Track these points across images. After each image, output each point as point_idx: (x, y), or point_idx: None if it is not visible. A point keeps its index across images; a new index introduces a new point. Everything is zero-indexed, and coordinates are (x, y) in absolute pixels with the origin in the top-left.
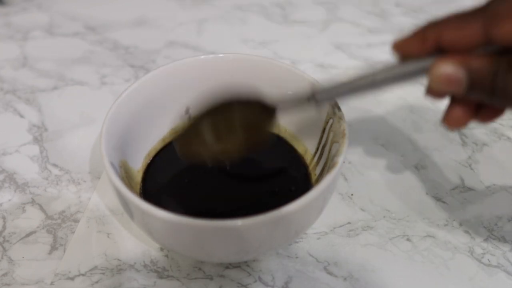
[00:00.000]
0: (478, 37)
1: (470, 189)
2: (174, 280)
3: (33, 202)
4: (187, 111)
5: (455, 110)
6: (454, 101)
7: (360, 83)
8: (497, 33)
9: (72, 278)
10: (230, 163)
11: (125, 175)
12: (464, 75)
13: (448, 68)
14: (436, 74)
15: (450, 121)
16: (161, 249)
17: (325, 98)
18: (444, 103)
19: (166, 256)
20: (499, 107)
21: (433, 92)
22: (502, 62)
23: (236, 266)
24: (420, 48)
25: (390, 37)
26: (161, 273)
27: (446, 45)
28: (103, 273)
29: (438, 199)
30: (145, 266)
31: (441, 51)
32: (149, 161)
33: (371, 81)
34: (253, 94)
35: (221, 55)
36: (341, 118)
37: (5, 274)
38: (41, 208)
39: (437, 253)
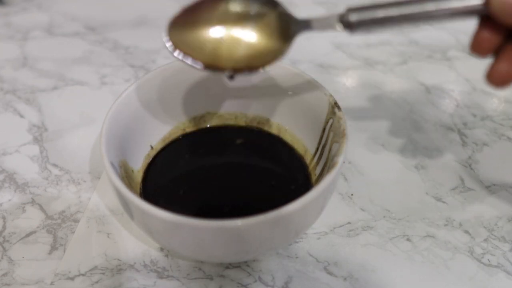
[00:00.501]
0: None
1: (470, 189)
2: (174, 280)
3: (33, 202)
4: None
5: (500, 66)
6: (499, 56)
7: (407, 11)
8: None
9: (72, 278)
10: (225, 73)
11: (125, 175)
12: None
13: None
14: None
15: (494, 78)
16: (161, 249)
17: (361, 23)
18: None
19: (166, 256)
20: None
21: (483, 39)
22: None
23: (236, 266)
24: None
25: (389, 37)
26: (161, 273)
27: None
28: (103, 273)
29: (438, 199)
30: (145, 266)
31: None
32: (149, 161)
33: (420, 11)
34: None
35: None
36: (341, 118)
37: (5, 274)
38: (41, 208)
39: (437, 253)
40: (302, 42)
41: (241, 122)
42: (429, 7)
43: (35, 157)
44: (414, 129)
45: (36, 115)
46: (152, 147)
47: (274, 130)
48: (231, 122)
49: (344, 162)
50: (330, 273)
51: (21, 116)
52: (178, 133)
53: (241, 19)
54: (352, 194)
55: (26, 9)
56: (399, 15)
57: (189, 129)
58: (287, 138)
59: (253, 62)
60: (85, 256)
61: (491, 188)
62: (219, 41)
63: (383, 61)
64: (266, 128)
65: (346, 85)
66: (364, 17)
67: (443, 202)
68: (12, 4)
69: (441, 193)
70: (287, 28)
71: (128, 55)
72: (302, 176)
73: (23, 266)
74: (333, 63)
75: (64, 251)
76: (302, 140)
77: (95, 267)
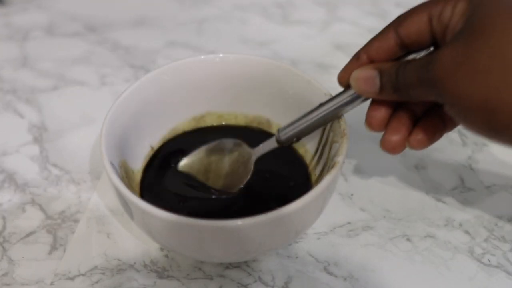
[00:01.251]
0: (393, 43)
1: (470, 189)
2: (174, 280)
3: (33, 202)
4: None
5: (389, 136)
6: (373, 104)
7: (314, 115)
8: (401, 32)
9: (72, 278)
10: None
11: (125, 175)
12: (376, 75)
13: (364, 71)
14: (355, 76)
15: (386, 145)
16: (161, 249)
17: (287, 136)
18: None
19: (166, 256)
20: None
21: (374, 124)
22: (403, 61)
23: (236, 266)
24: (356, 68)
25: None
26: (161, 273)
27: (374, 58)
28: (103, 273)
29: (438, 199)
30: (145, 266)
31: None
32: (149, 161)
33: (322, 112)
34: (238, 143)
35: (221, 55)
36: (341, 118)
37: (5, 274)
38: (41, 208)
39: (437, 253)
40: (302, 42)
41: (241, 122)
42: (325, 108)
43: (35, 157)
44: None
45: (36, 115)
46: (152, 147)
47: (274, 130)
48: (231, 122)
49: (344, 162)
50: (330, 273)
51: (21, 116)
52: (178, 133)
53: (220, 157)
54: (352, 194)
55: (26, 9)
56: (315, 122)
57: (189, 129)
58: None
59: (230, 183)
60: (85, 256)
61: (491, 188)
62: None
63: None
64: (266, 128)
65: None
66: (288, 132)
67: (443, 202)
68: (12, 4)
69: (441, 193)
70: (248, 157)
71: (128, 55)
72: (302, 176)
73: (23, 266)
74: (333, 63)
75: (64, 251)
76: (302, 140)
77: (95, 267)
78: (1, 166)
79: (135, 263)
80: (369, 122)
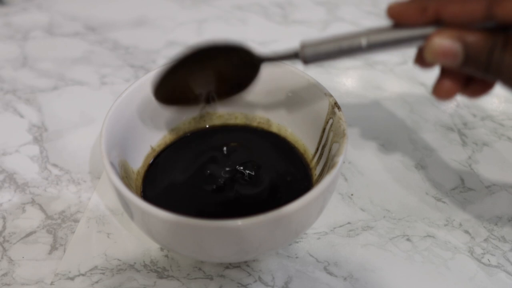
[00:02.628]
0: (480, 13)
1: (470, 189)
2: (174, 280)
3: (33, 202)
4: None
5: (445, 82)
6: (444, 73)
7: (352, 42)
8: (499, 10)
9: (72, 278)
10: (205, 104)
11: (125, 175)
12: (460, 50)
13: (445, 42)
14: (433, 47)
15: (439, 92)
16: (161, 249)
17: (313, 55)
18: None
19: (166, 256)
20: (490, 83)
21: (425, 63)
22: (499, 39)
23: (236, 266)
24: (418, 18)
25: None
26: (161, 273)
27: (447, 18)
28: (103, 273)
29: (438, 199)
30: (145, 266)
31: (438, 23)
32: (149, 161)
33: (364, 43)
34: (238, 43)
35: None
36: (341, 118)
37: (5, 274)
38: (41, 208)
39: (437, 253)
40: None
41: (241, 122)
42: (375, 38)
43: (35, 157)
44: (414, 129)
45: (36, 115)
46: (152, 147)
47: (274, 130)
48: (231, 122)
49: (344, 162)
50: (330, 273)
51: (21, 116)
52: (178, 133)
53: (212, 65)
54: (352, 194)
55: (26, 9)
56: (348, 49)
57: (189, 129)
58: (287, 138)
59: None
60: (85, 256)
61: (491, 188)
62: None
63: (383, 61)
64: (266, 128)
65: (346, 85)
66: (316, 51)
67: (443, 202)
68: (12, 4)
69: (441, 193)
70: (252, 63)
71: (128, 55)
72: (302, 176)
73: (23, 266)
74: (333, 63)
75: (64, 251)
76: (302, 140)
77: (95, 267)
78: (1, 166)
79: (135, 263)
80: (437, 92)
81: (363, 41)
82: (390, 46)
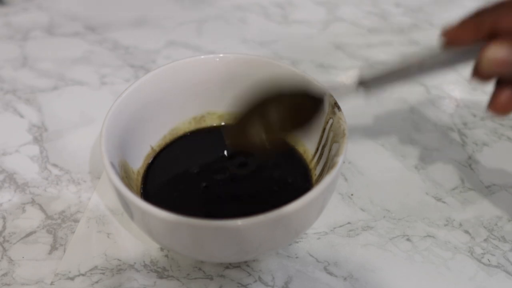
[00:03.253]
0: None
1: (470, 189)
2: (174, 280)
3: (33, 202)
4: None
5: (502, 95)
6: (501, 85)
7: (409, 69)
8: None
9: (72, 278)
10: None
11: (125, 175)
12: None
13: (501, 50)
14: (489, 56)
15: (496, 107)
16: (161, 249)
17: (375, 86)
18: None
19: (166, 256)
20: None
21: (482, 74)
22: None
23: (236, 266)
24: (474, 34)
25: (390, 37)
26: (161, 273)
27: (504, 28)
28: (103, 273)
29: (438, 199)
30: (145, 266)
31: (493, 37)
32: (149, 161)
33: (419, 67)
34: (300, 85)
35: (221, 55)
36: (341, 118)
37: (5, 274)
38: (41, 208)
39: (437, 253)
40: (302, 42)
41: None
42: (429, 60)
43: (35, 157)
44: (414, 129)
45: (36, 115)
46: (152, 147)
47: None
48: (231, 122)
49: (344, 162)
50: (330, 273)
51: (21, 116)
52: (178, 133)
53: (277, 108)
54: (352, 194)
55: (26, 9)
56: (406, 74)
57: (189, 129)
58: (287, 138)
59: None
60: (85, 256)
61: (491, 188)
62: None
63: (383, 61)
64: None
65: (346, 85)
66: (377, 83)
67: (443, 202)
68: (12, 4)
69: (441, 193)
70: (314, 101)
71: (128, 55)
72: (302, 176)
73: (23, 266)
74: (333, 63)
75: (64, 251)
76: (302, 140)
77: (95, 267)
78: (1, 166)
79: (135, 263)
80: (494, 106)
81: (419, 66)
82: (446, 66)
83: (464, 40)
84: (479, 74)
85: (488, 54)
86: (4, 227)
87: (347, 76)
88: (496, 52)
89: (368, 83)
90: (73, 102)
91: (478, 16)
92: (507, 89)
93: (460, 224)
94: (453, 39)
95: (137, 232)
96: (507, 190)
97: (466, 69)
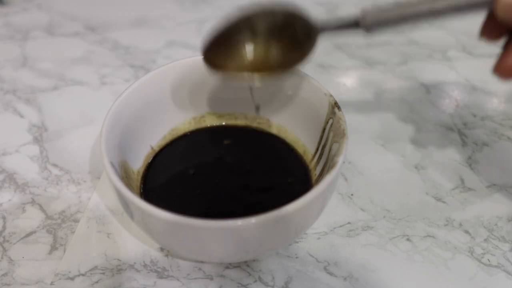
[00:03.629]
0: None
1: (470, 189)
2: (174, 280)
3: (33, 202)
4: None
5: (510, 58)
6: (509, 47)
7: (417, 9)
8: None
9: (72, 278)
10: (255, 83)
11: (125, 175)
12: None
13: None
14: (505, 2)
15: (502, 69)
16: (161, 249)
17: (375, 23)
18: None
19: (166, 256)
20: None
21: (492, 34)
22: None
23: (236, 266)
24: None
25: (390, 37)
26: (161, 273)
27: None
28: (103, 273)
29: (438, 199)
30: (145, 266)
31: None
32: (149, 161)
33: (429, 9)
34: (295, 9)
35: None
36: (341, 118)
37: (5, 274)
38: (41, 208)
39: (437, 253)
40: None
41: (241, 122)
42: (439, 4)
43: (35, 157)
44: (414, 129)
45: (36, 115)
46: (152, 147)
47: (274, 130)
48: (231, 122)
49: (344, 162)
50: (330, 273)
51: (21, 116)
52: (178, 133)
53: (265, 32)
54: (352, 194)
55: (26, 9)
56: (412, 14)
57: (189, 129)
58: (287, 138)
59: (282, 66)
60: (85, 256)
61: (491, 188)
62: (248, 55)
63: (383, 61)
64: (266, 128)
65: (346, 85)
66: (379, 18)
67: (443, 202)
68: (12, 4)
69: (441, 193)
70: (308, 32)
71: (128, 55)
72: (302, 176)
73: (23, 266)
74: (333, 63)
75: (64, 251)
76: (302, 140)
77: (95, 267)
78: (1, 166)
79: (135, 263)
80: (500, 69)
81: (428, 7)
82: (457, 12)
83: None
84: (491, 26)
85: None
86: (4, 227)
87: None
88: None
89: (371, 25)
90: (73, 102)
91: None
92: None
93: (460, 224)
94: None
95: (137, 232)
96: (507, 190)
97: (465, 71)
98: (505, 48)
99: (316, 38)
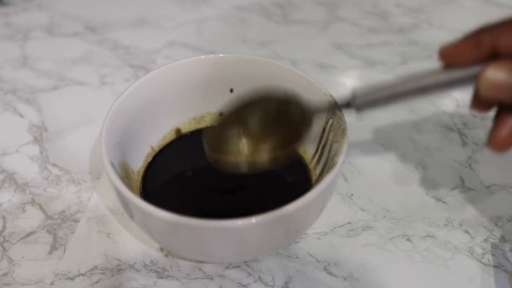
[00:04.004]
0: None
1: (470, 189)
2: (174, 280)
3: (33, 202)
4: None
5: (501, 131)
6: (500, 118)
7: (404, 88)
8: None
9: (72, 278)
10: (256, 173)
11: (125, 175)
12: None
13: (501, 73)
14: (488, 79)
15: (497, 143)
16: (161, 249)
17: (366, 104)
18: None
19: (166, 256)
20: None
21: (481, 99)
22: None
23: (236, 266)
24: (473, 54)
25: (390, 37)
26: (161, 273)
27: (504, 50)
28: (103, 273)
29: (438, 199)
30: (145, 266)
31: (494, 58)
32: (149, 161)
33: (415, 87)
34: (289, 94)
35: (221, 55)
36: (341, 118)
37: (5, 274)
38: (41, 208)
39: (437, 253)
40: (302, 42)
41: None
42: (425, 81)
43: (35, 157)
44: (414, 129)
45: (36, 115)
46: (152, 147)
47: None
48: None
49: (344, 162)
50: (330, 273)
51: (21, 116)
52: (178, 133)
53: (261, 118)
54: (352, 194)
55: (26, 9)
56: (400, 93)
57: (189, 129)
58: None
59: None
60: (85, 256)
61: (491, 188)
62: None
63: (383, 61)
64: None
65: (346, 85)
66: (368, 99)
67: (443, 202)
68: (12, 4)
69: (441, 193)
70: (303, 115)
71: (128, 55)
72: (302, 176)
73: (23, 266)
74: (333, 63)
75: (64, 251)
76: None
77: (95, 267)
78: (1, 166)
79: (135, 263)
80: (493, 143)
81: (414, 86)
82: (443, 88)
83: (463, 60)
84: (479, 100)
85: (486, 75)
86: (4, 227)
87: (340, 96)
88: (495, 74)
89: (361, 106)
90: (73, 102)
91: (477, 35)
92: (508, 122)
93: (460, 224)
94: (451, 58)
95: (137, 232)
96: (507, 190)
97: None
98: (496, 120)
99: (311, 120)
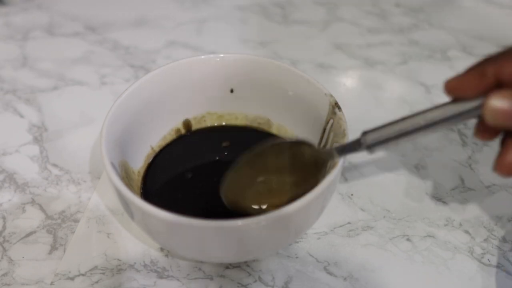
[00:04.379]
0: None
1: (470, 189)
2: (174, 280)
3: (33, 202)
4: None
5: (508, 154)
6: (506, 144)
7: (413, 123)
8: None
9: (72, 278)
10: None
11: (125, 175)
12: None
13: (505, 101)
14: (492, 107)
15: (502, 167)
16: (161, 249)
17: (376, 142)
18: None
19: (166, 256)
20: None
21: (486, 128)
22: None
23: (236, 266)
24: (478, 86)
25: (390, 37)
26: (161, 273)
27: (507, 79)
28: (103, 273)
29: (438, 199)
30: (145, 266)
31: (499, 87)
32: (149, 161)
33: (424, 122)
34: (303, 141)
35: (221, 55)
36: (341, 118)
37: (5, 274)
38: (41, 208)
39: (437, 253)
40: (302, 42)
41: (241, 122)
42: (433, 116)
43: (35, 157)
44: None
45: (36, 115)
46: (152, 147)
47: (274, 130)
48: (231, 122)
49: (344, 162)
50: (330, 273)
51: (21, 116)
52: (178, 133)
53: (276, 166)
54: (352, 194)
55: (26, 9)
56: (410, 130)
57: (189, 129)
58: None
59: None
60: (85, 256)
61: (491, 188)
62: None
63: (383, 61)
64: (266, 128)
65: (346, 85)
66: (379, 137)
67: (443, 202)
68: (12, 4)
69: (441, 193)
70: (317, 162)
71: (128, 55)
72: None
73: (23, 266)
74: (333, 63)
75: (64, 251)
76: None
77: (95, 267)
78: (1, 166)
79: (135, 263)
80: (500, 167)
81: (422, 121)
82: (452, 121)
83: (468, 92)
84: (483, 128)
85: (491, 104)
86: (4, 227)
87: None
88: (499, 102)
89: (372, 144)
90: (73, 102)
91: (481, 66)
92: (511, 151)
93: (460, 224)
94: (456, 91)
95: (137, 232)
96: (507, 190)
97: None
98: (502, 145)
99: (326, 166)
